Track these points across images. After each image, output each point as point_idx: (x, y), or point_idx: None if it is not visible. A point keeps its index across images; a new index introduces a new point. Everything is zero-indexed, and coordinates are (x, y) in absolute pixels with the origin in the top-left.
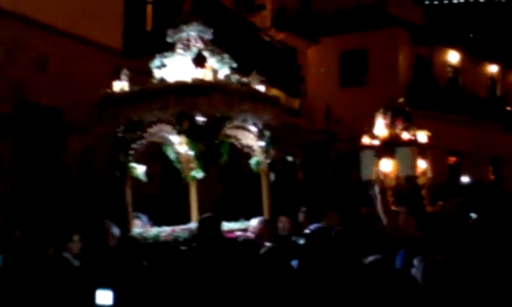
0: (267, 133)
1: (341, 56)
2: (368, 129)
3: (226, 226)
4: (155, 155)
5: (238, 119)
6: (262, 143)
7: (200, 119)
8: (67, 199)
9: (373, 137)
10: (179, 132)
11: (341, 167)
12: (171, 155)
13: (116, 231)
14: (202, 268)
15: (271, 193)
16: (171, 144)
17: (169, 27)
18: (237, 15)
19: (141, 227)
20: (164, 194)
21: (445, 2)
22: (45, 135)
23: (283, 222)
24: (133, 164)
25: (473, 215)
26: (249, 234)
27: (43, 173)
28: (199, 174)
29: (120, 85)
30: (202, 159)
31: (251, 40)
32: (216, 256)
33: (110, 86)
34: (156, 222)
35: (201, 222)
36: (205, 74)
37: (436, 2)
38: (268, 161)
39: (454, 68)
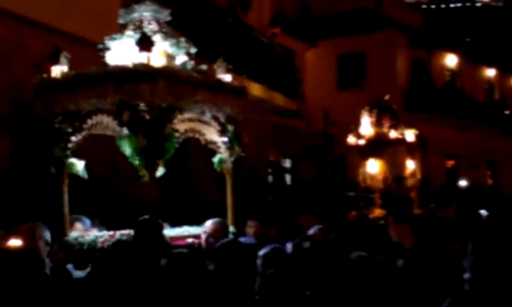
0: (230, 127)
1: (339, 59)
2: (355, 128)
3: (187, 230)
4: None
5: (192, 110)
6: (225, 139)
7: (144, 109)
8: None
9: (359, 136)
10: (120, 124)
11: (339, 170)
12: (127, 150)
13: (47, 235)
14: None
15: (235, 194)
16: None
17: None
18: (233, 14)
19: (83, 231)
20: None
21: (443, 6)
22: (42, 135)
23: (251, 227)
24: (72, 160)
25: (484, 213)
26: (203, 235)
27: (42, 174)
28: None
29: (59, 69)
30: (143, 155)
31: (248, 41)
32: (154, 262)
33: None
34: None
35: (137, 225)
36: (150, 58)
37: (433, 7)
38: (232, 159)
39: (452, 72)
